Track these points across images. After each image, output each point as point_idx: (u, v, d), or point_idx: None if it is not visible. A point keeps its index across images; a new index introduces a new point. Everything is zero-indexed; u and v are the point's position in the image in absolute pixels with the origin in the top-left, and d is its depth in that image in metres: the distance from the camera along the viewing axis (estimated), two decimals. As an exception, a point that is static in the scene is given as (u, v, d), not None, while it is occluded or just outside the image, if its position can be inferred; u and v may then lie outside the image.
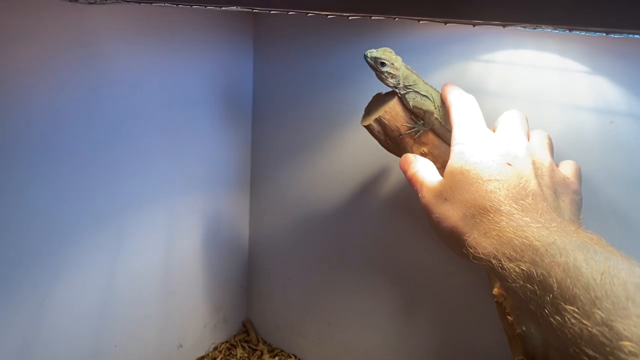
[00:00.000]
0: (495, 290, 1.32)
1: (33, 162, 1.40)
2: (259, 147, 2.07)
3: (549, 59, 1.33)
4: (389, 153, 1.43)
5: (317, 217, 1.92)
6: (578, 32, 1.12)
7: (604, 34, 1.08)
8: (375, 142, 1.41)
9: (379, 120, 1.33)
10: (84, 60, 1.46)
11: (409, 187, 1.67)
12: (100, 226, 1.61)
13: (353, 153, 1.76)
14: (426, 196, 1.16)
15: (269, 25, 1.93)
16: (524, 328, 1.23)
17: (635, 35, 0.99)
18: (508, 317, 1.28)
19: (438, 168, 1.35)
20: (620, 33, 0.95)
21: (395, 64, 1.30)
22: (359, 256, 1.84)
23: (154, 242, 1.79)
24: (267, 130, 2.02)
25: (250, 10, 1.20)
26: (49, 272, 1.49)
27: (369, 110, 1.41)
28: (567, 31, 0.88)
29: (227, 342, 2.16)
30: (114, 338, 1.72)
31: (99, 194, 1.58)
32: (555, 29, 0.95)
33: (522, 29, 1.24)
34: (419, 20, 1.17)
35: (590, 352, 0.67)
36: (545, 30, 1.17)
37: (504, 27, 0.92)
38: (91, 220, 1.58)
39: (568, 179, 1.16)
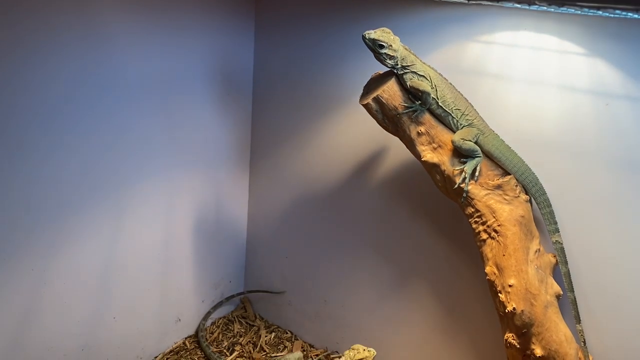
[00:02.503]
0: (488, 269, 1.34)
1: (34, 138, 1.42)
2: (259, 125, 2.08)
3: (547, 41, 1.34)
4: (386, 132, 1.44)
5: (315, 196, 1.94)
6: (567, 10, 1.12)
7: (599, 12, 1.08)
8: (373, 121, 1.42)
9: (377, 99, 1.34)
10: (83, 37, 1.47)
11: (406, 168, 1.70)
12: (99, 202, 1.62)
13: (352, 132, 1.77)
14: None
15: (271, 3, 1.92)
16: (514, 306, 1.26)
17: (633, 15, 0.99)
18: (499, 295, 1.31)
19: (435, 148, 1.37)
20: (614, 11, 0.96)
21: (393, 45, 1.30)
22: (356, 235, 1.86)
23: (154, 218, 1.81)
24: (268, 109, 2.03)
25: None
26: (49, 245, 1.52)
27: (368, 89, 1.42)
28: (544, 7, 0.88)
29: (224, 317, 2.19)
30: (113, 310, 1.75)
31: (97, 169, 1.60)
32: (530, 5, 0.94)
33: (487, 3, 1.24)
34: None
35: None
36: (514, 5, 1.17)
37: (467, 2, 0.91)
38: (90, 196, 1.59)
39: None
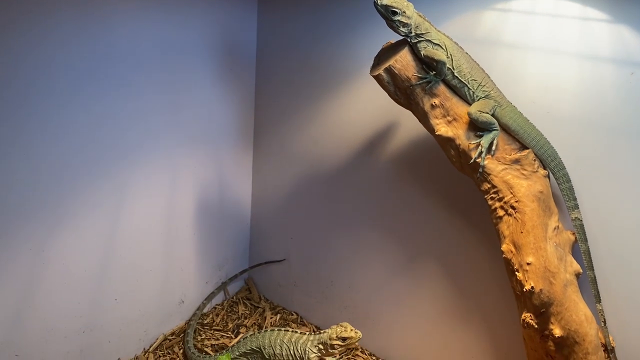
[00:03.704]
0: (504, 247, 1.29)
1: (30, 114, 1.36)
2: (262, 101, 2.02)
3: (568, 7, 1.27)
4: (398, 106, 1.38)
5: (321, 175, 1.89)
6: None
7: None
8: (384, 94, 1.36)
9: (388, 70, 1.28)
10: (82, 11, 1.41)
11: (417, 144, 1.64)
12: (100, 179, 1.57)
13: (360, 107, 1.71)
14: None
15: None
16: (533, 285, 1.21)
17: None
18: (517, 273, 1.26)
19: (449, 121, 1.31)
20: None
21: (407, 12, 1.24)
22: (364, 214, 1.81)
23: (155, 197, 1.76)
24: (271, 84, 1.97)
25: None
26: (47, 224, 1.47)
27: (379, 60, 1.35)
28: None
29: (229, 299, 2.16)
30: (115, 292, 1.70)
31: (97, 145, 1.54)
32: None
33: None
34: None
35: None
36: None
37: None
38: (88, 172, 1.55)
39: None
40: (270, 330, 1.67)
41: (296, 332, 1.63)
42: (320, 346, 1.57)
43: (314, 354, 1.57)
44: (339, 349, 1.55)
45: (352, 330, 1.55)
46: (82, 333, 1.63)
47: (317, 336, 1.59)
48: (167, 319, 1.92)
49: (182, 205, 1.87)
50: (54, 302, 1.53)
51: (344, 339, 1.54)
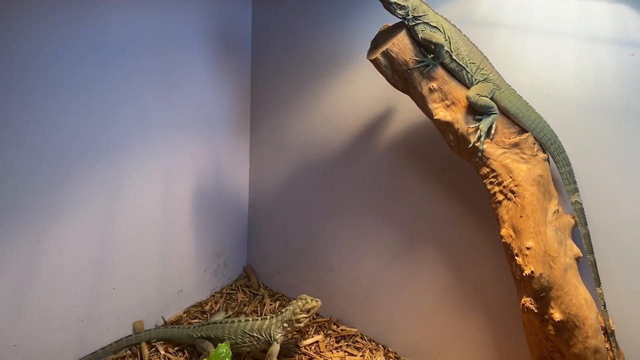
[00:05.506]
0: (504, 231, 1.28)
1: (21, 99, 1.34)
2: (258, 87, 2.00)
3: (568, -12, 1.25)
4: (395, 91, 1.36)
5: (319, 161, 1.87)
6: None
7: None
8: (382, 78, 1.34)
9: (386, 54, 1.26)
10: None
11: (415, 130, 1.63)
12: (95, 167, 1.56)
13: (357, 92, 1.69)
14: None
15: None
16: (533, 269, 1.21)
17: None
18: (516, 258, 1.25)
19: (448, 105, 1.29)
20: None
21: (403, -7, 1.22)
22: (362, 200, 1.80)
23: (152, 186, 1.75)
24: (267, 70, 1.95)
25: None
26: (43, 214, 1.46)
27: (376, 43, 1.33)
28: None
29: (228, 286, 2.15)
30: (113, 281, 1.70)
31: (91, 134, 1.52)
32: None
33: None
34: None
35: None
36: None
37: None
38: (86, 161, 1.53)
39: None
40: (231, 321, 1.69)
41: (257, 319, 1.67)
42: (285, 324, 1.64)
43: (280, 334, 1.63)
44: (305, 321, 1.64)
45: (312, 300, 1.65)
46: (81, 322, 1.62)
47: (280, 316, 1.65)
48: (165, 308, 1.92)
49: (179, 193, 1.86)
50: (51, 292, 1.53)
51: (308, 311, 1.63)
